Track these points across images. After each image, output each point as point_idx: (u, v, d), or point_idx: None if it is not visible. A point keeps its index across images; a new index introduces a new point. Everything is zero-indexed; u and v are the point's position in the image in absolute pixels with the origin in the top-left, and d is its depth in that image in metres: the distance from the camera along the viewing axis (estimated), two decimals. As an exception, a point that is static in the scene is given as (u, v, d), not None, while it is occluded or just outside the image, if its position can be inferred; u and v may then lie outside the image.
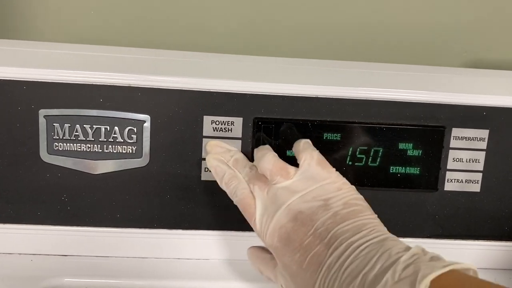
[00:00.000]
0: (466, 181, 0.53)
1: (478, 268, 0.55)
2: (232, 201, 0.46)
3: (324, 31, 0.64)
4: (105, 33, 0.62)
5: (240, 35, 0.63)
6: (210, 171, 0.49)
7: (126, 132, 0.49)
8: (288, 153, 0.51)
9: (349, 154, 0.52)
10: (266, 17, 0.63)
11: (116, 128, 0.49)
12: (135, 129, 0.49)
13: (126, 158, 0.50)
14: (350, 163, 0.52)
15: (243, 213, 0.45)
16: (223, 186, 0.47)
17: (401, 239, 0.53)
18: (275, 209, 0.43)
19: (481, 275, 0.54)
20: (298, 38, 0.64)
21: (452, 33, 0.65)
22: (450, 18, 0.64)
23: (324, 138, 0.51)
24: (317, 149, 0.50)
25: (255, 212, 0.44)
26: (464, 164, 0.52)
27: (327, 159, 0.50)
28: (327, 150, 0.51)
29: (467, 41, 0.65)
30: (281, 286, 0.43)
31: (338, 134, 0.51)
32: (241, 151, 0.50)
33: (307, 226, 0.41)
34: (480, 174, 0.52)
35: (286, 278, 0.42)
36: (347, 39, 0.64)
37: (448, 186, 0.52)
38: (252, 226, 0.44)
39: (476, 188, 0.53)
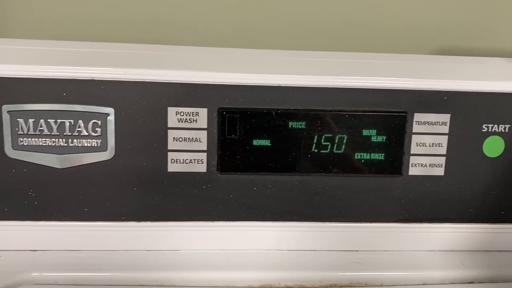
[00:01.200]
0: (430, 165, 0.53)
1: (444, 251, 0.57)
2: (200, 192, 0.45)
3: (288, 21, 0.64)
4: (70, 28, 0.62)
5: (202, 27, 0.64)
6: (176, 163, 0.50)
7: (91, 126, 0.49)
8: (254, 142, 0.51)
9: (315, 141, 0.52)
10: (223, 6, 0.63)
11: (80, 121, 0.49)
12: (99, 122, 0.49)
13: (91, 152, 0.50)
14: (316, 150, 0.52)
15: None
16: None
17: (369, 224, 0.55)
18: None
19: (448, 258, 0.56)
20: (263, 28, 0.64)
21: (420, 20, 0.66)
22: (418, 5, 0.65)
23: (290, 126, 0.52)
24: (283, 138, 0.51)
25: None
26: (427, 149, 0.53)
27: (293, 147, 0.52)
28: (292, 138, 0.52)
29: (435, 28, 0.66)
30: None
31: (303, 122, 0.52)
32: (207, 142, 0.50)
33: None
34: (444, 158, 0.53)
35: None
36: (309, 28, 0.64)
37: (412, 171, 0.53)
38: None
39: (440, 171, 0.53)
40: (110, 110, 0.49)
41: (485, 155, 0.53)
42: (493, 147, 0.53)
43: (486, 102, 0.52)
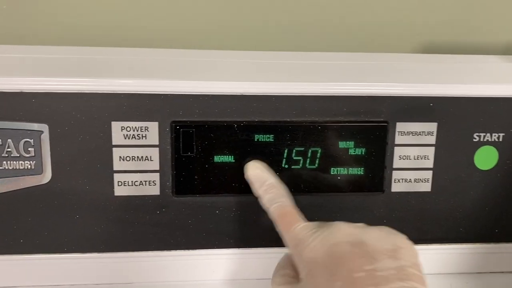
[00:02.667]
0: (415, 180, 0.48)
1: (432, 274, 0.51)
2: (154, 217, 0.40)
3: (252, 18, 0.58)
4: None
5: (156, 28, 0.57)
6: (124, 185, 0.44)
7: (22, 145, 0.43)
8: (215, 159, 0.45)
9: (285, 156, 0.46)
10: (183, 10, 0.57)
11: (9, 141, 0.42)
12: (31, 141, 0.43)
13: (24, 175, 0.43)
14: (286, 166, 0.46)
15: (278, 219, 0.41)
16: (259, 192, 0.43)
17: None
18: (331, 225, 0.38)
19: (436, 281, 0.51)
20: (221, 27, 0.58)
21: (405, 15, 0.59)
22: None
23: (255, 140, 0.45)
24: (248, 153, 0.45)
25: (298, 219, 0.40)
26: (412, 162, 0.47)
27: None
28: (259, 153, 0.45)
29: (421, 23, 0.60)
30: None
31: (271, 135, 0.45)
32: (159, 161, 0.44)
33: (367, 260, 0.35)
34: (430, 172, 0.48)
35: None
36: (277, 23, 0.58)
37: (395, 187, 0.47)
38: (287, 235, 0.39)
39: (427, 187, 0.48)
40: (43, 127, 0.42)
41: (476, 167, 0.48)
42: (485, 158, 0.48)
43: (477, 108, 0.46)
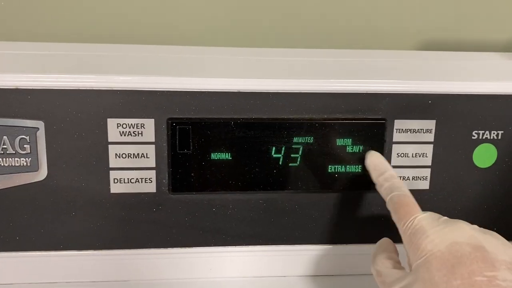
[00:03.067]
0: (413, 178, 0.47)
1: None
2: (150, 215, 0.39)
3: (250, 14, 0.57)
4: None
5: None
6: (120, 183, 0.44)
7: (18, 142, 0.42)
8: (212, 156, 0.45)
9: (282, 154, 0.46)
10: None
11: (5, 137, 0.42)
12: (27, 138, 0.42)
13: (20, 172, 0.43)
14: (283, 163, 0.46)
15: (397, 208, 0.41)
16: (379, 180, 0.44)
17: (345, 246, 0.49)
18: (453, 222, 0.39)
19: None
20: (219, 26, 0.57)
21: (403, 11, 0.59)
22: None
23: (252, 137, 0.45)
24: (244, 151, 0.45)
25: (417, 210, 0.41)
26: (410, 160, 0.47)
27: (256, 161, 0.45)
28: (256, 150, 0.45)
29: (419, 19, 0.60)
30: None
31: (268, 133, 0.45)
32: (156, 158, 0.44)
33: (487, 266, 0.35)
34: (429, 170, 0.47)
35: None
36: (276, 20, 0.57)
37: (393, 185, 0.47)
38: (404, 223, 0.40)
39: (425, 185, 0.47)
40: (39, 124, 0.42)
41: (475, 165, 0.47)
42: (484, 156, 0.47)
43: (476, 106, 0.46)
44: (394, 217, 0.42)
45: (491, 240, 0.38)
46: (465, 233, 0.38)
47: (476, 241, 0.37)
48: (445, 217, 0.40)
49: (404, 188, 0.43)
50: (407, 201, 0.42)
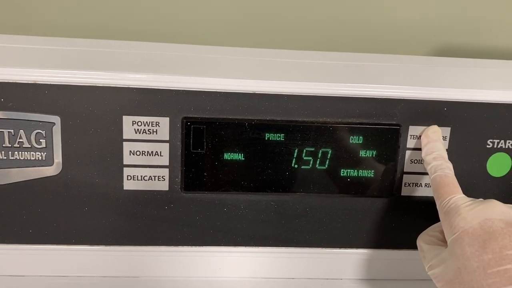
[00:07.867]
0: (425, 185, 0.47)
1: None
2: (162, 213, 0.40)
3: (266, 17, 0.57)
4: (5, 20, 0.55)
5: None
6: (133, 180, 0.44)
7: (34, 136, 0.43)
8: (225, 156, 0.45)
9: (294, 156, 0.46)
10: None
11: (21, 131, 0.43)
12: (43, 133, 0.43)
13: (35, 166, 0.43)
14: (296, 166, 0.46)
15: (439, 187, 0.42)
16: (427, 158, 0.45)
17: (354, 251, 0.49)
18: (487, 201, 0.40)
19: None
20: (236, 24, 0.57)
21: (420, 16, 0.58)
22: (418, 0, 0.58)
23: (266, 139, 0.45)
24: (257, 152, 0.45)
25: (457, 191, 0.42)
26: (423, 166, 0.46)
27: (269, 163, 0.46)
28: (269, 152, 0.45)
29: (437, 25, 0.59)
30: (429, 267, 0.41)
31: (282, 135, 0.45)
32: (169, 156, 0.44)
33: None
34: (442, 177, 0.47)
35: (451, 265, 0.38)
36: (293, 23, 0.57)
37: (405, 191, 0.47)
38: (442, 202, 0.41)
39: (437, 192, 0.47)
40: (56, 119, 0.42)
41: (489, 174, 0.47)
42: (498, 165, 0.47)
43: (491, 114, 0.46)
44: (435, 196, 0.43)
45: None
46: (497, 209, 0.39)
47: (509, 216, 0.38)
48: (481, 199, 0.40)
49: (448, 170, 0.43)
50: (447, 181, 0.42)
